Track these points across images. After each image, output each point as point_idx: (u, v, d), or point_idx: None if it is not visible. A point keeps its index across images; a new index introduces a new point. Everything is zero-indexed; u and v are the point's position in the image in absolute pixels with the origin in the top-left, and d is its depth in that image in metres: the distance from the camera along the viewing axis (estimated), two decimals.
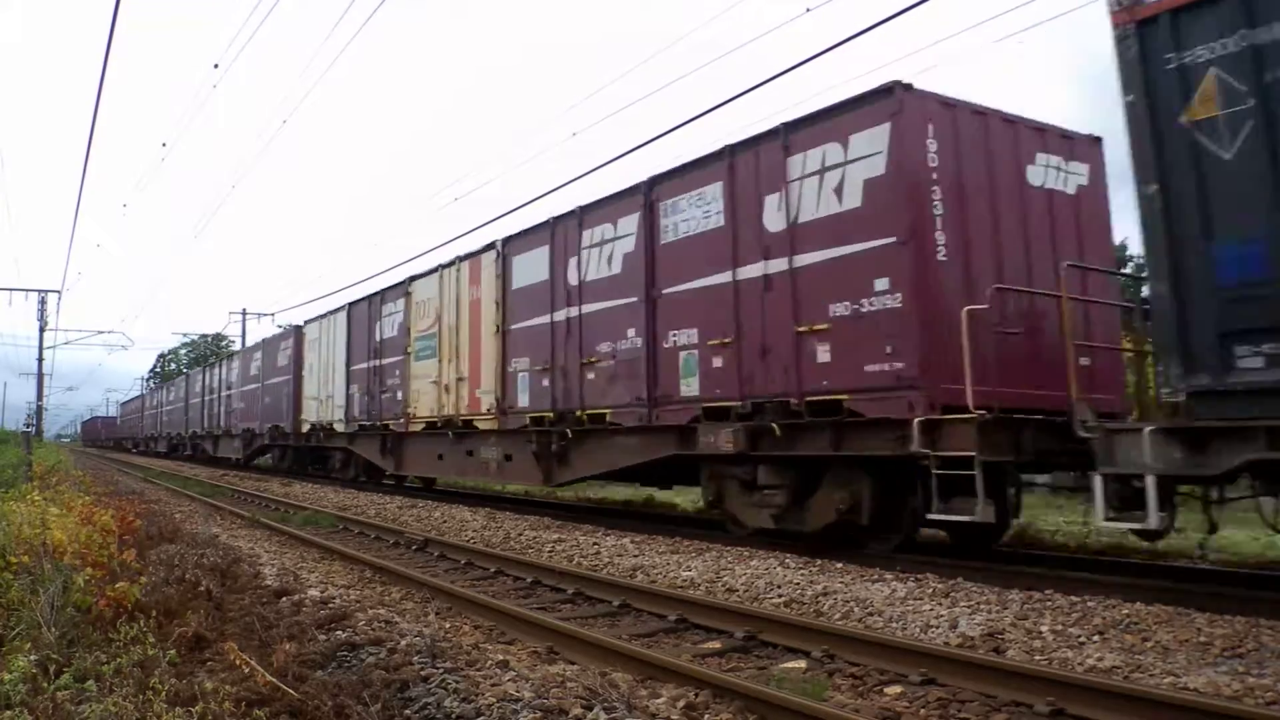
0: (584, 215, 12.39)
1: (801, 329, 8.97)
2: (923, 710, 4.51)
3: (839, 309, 8.67)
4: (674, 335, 10.64)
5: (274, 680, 4.35)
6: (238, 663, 4.73)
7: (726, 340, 9.86)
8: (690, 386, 10.37)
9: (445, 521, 13.15)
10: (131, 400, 76.20)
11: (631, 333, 11.32)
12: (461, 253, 15.74)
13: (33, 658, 4.40)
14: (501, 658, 5.02)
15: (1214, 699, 4.28)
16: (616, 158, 13.64)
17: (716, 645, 5.88)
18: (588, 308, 12.17)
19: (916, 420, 7.76)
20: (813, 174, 9.06)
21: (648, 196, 11.19)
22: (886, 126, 8.34)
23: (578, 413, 12.20)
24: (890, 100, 8.35)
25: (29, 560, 5.98)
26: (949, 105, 8.70)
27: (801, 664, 5.40)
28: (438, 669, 4.56)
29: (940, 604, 6.46)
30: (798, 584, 7.36)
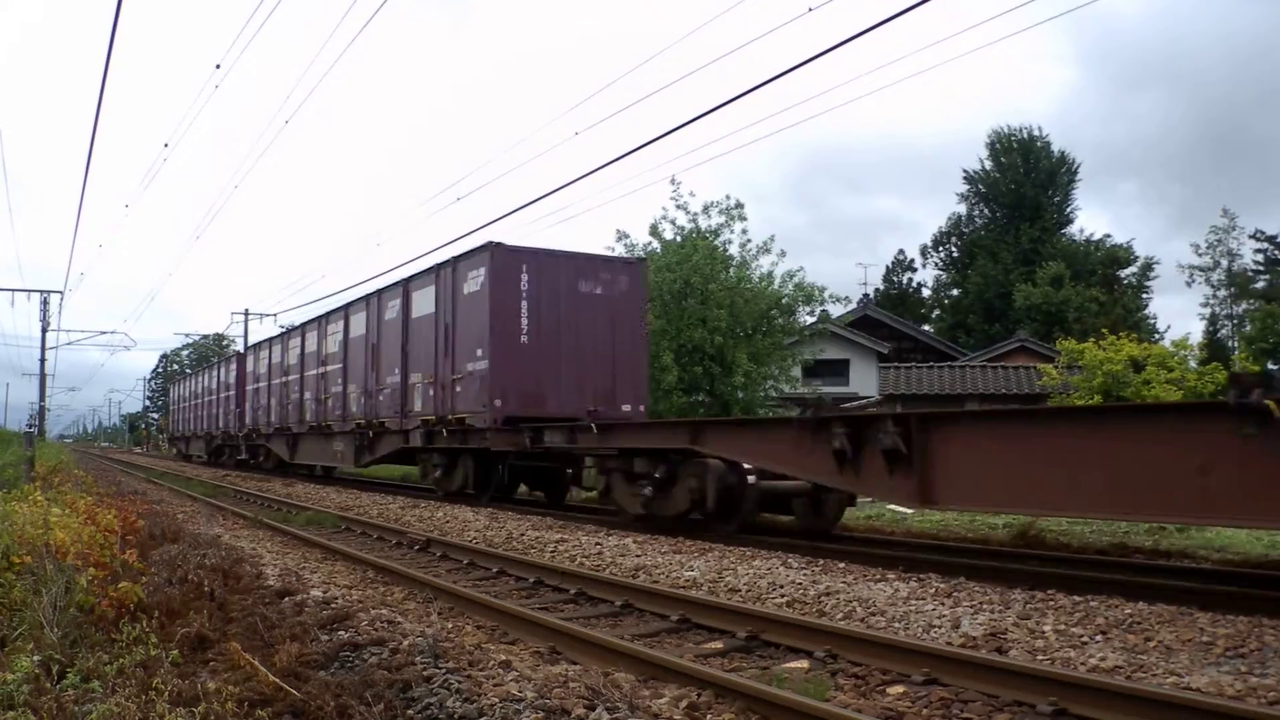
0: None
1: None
2: (925, 710, 4.51)
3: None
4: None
5: (277, 680, 4.35)
6: (240, 663, 4.73)
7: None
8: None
9: (448, 521, 13.16)
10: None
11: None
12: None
13: (36, 658, 4.40)
14: (504, 658, 5.02)
15: (1217, 699, 4.28)
16: (620, 157, 13.69)
17: (719, 645, 5.88)
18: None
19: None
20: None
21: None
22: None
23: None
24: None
25: (31, 561, 5.98)
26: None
27: (804, 664, 5.40)
28: (440, 669, 4.56)
29: (943, 604, 6.46)
30: (800, 584, 7.36)
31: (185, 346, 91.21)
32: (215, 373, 36.60)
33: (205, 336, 78.56)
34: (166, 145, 27.68)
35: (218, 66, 16.62)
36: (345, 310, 21.26)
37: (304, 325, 24.82)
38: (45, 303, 46.63)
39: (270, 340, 28.96)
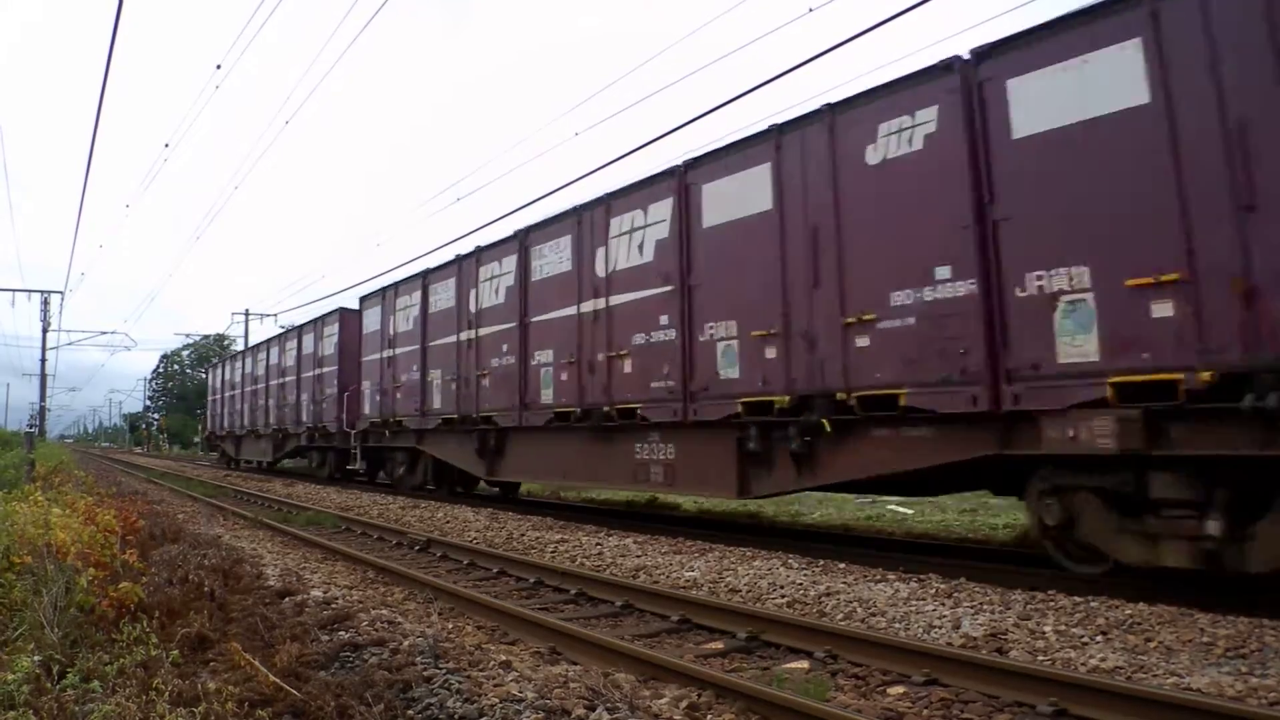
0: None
1: None
2: (925, 711, 4.51)
3: None
4: None
5: (277, 681, 4.35)
6: (241, 663, 4.73)
7: None
8: None
9: (448, 522, 13.16)
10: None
11: None
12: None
13: (36, 658, 4.41)
14: (504, 658, 5.02)
15: (1217, 699, 4.28)
16: (620, 157, 13.63)
17: (719, 645, 5.88)
18: None
19: None
20: None
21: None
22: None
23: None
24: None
25: (32, 561, 5.99)
26: None
27: (804, 664, 5.40)
28: (440, 669, 4.57)
29: (943, 604, 6.46)
30: (800, 584, 7.35)
31: (186, 347, 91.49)
32: (292, 344, 25.61)
33: (206, 337, 78.73)
34: (167, 145, 27.75)
35: (218, 67, 16.64)
36: (676, 181, 10.74)
37: (527, 233, 13.61)
38: (45, 303, 46.65)
39: (426, 276, 16.92)
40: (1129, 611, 6.02)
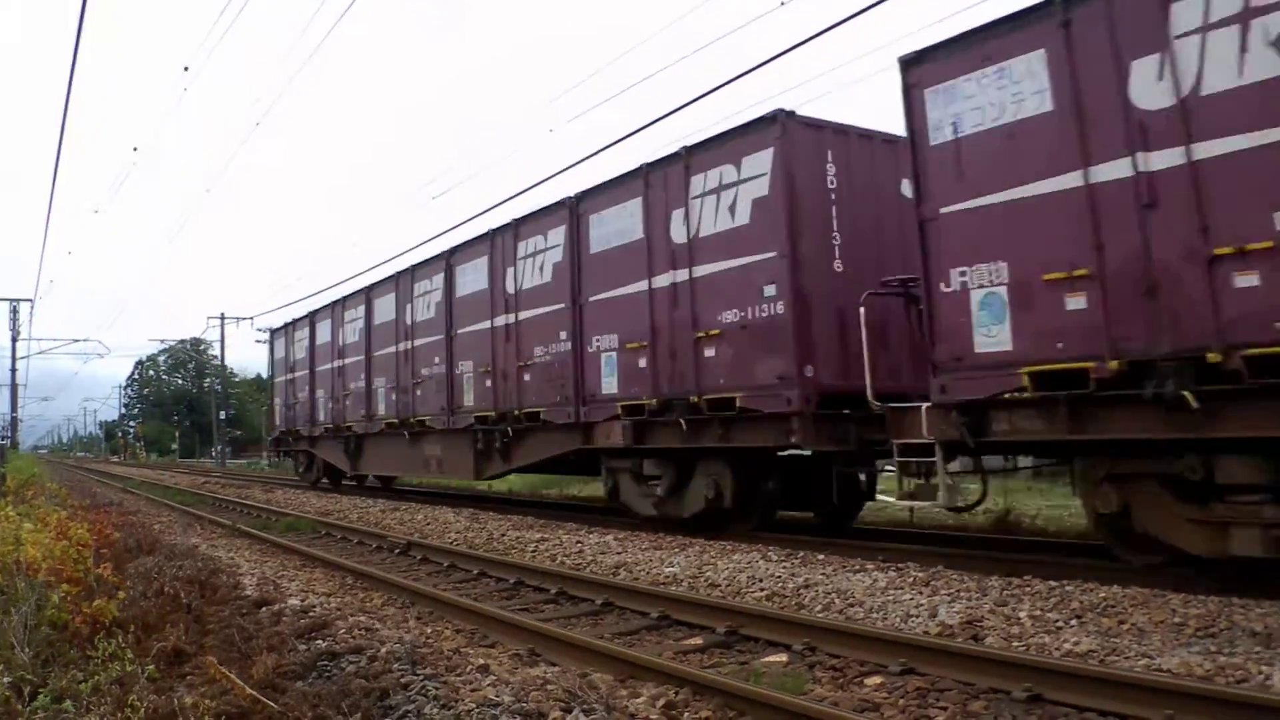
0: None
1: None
2: (902, 700, 4.54)
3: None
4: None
5: (254, 693, 4.33)
6: (217, 676, 4.70)
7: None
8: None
9: (429, 524, 13.11)
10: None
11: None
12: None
13: (6, 680, 4.36)
14: (482, 662, 5.01)
15: (1186, 680, 4.34)
16: (594, 154, 13.58)
17: (698, 641, 5.90)
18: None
19: None
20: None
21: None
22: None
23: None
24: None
25: (1, 579, 5.92)
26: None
27: (783, 658, 5.43)
28: (418, 676, 4.56)
29: (920, 593, 6.51)
30: (779, 577, 7.39)
31: (162, 352, 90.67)
32: (520, 249, 13.13)
33: (182, 341, 78.06)
34: (136, 149, 27.40)
35: (186, 69, 16.46)
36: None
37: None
38: (15, 311, 45.97)
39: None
40: (1103, 594, 6.10)
